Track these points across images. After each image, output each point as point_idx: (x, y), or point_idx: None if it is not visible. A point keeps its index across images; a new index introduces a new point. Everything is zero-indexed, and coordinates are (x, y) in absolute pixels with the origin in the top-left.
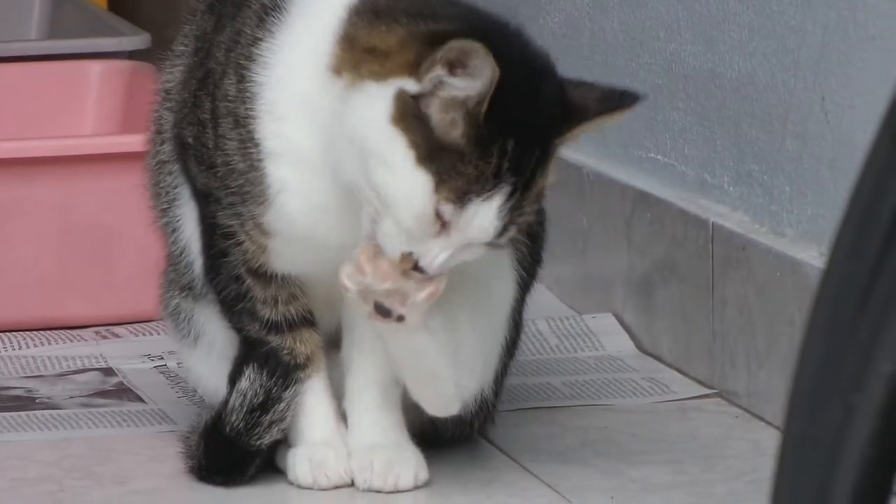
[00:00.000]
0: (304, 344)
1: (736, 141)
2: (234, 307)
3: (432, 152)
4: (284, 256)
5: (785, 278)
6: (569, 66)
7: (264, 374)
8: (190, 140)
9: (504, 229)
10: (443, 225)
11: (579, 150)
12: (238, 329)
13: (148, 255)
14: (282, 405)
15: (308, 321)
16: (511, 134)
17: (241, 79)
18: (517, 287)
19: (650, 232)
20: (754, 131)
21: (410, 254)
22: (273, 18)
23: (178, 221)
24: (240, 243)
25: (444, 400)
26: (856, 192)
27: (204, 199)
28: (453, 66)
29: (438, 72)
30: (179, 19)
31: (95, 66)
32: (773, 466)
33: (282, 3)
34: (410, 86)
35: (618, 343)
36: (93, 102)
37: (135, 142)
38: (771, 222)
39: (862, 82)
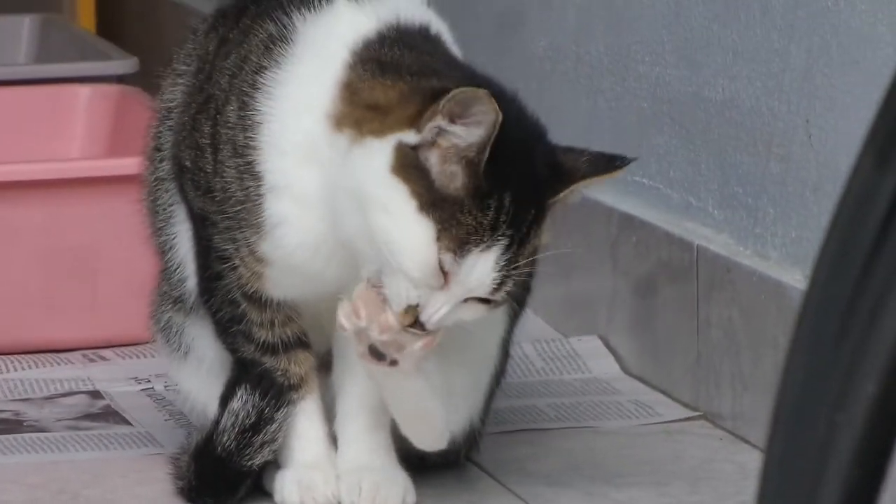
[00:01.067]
0: (299, 365)
1: (720, 164)
2: (229, 329)
3: (433, 202)
4: (279, 284)
5: (769, 301)
6: (554, 90)
7: (256, 395)
8: (188, 163)
9: (501, 283)
10: (445, 278)
11: None
12: (232, 350)
13: (134, 279)
14: (273, 426)
15: (303, 343)
16: (508, 188)
17: (244, 106)
18: (508, 319)
19: (635, 254)
20: (739, 154)
21: (414, 307)
22: (280, 49)
23: (173, 240)
24: (235, 268)
25: (434, 436)
26: (837, 213)
27: (200, 222)
28: (454, 116)
29: (439, 121)
30: (167, 43)
31: (84, 90)
32: (756, 487)
33: (289, 34)
34: (410, 137)
35: (603, 365)
36: (81, 126)
37: (122, 165)
38: (755, 245)
39: (846, 106)
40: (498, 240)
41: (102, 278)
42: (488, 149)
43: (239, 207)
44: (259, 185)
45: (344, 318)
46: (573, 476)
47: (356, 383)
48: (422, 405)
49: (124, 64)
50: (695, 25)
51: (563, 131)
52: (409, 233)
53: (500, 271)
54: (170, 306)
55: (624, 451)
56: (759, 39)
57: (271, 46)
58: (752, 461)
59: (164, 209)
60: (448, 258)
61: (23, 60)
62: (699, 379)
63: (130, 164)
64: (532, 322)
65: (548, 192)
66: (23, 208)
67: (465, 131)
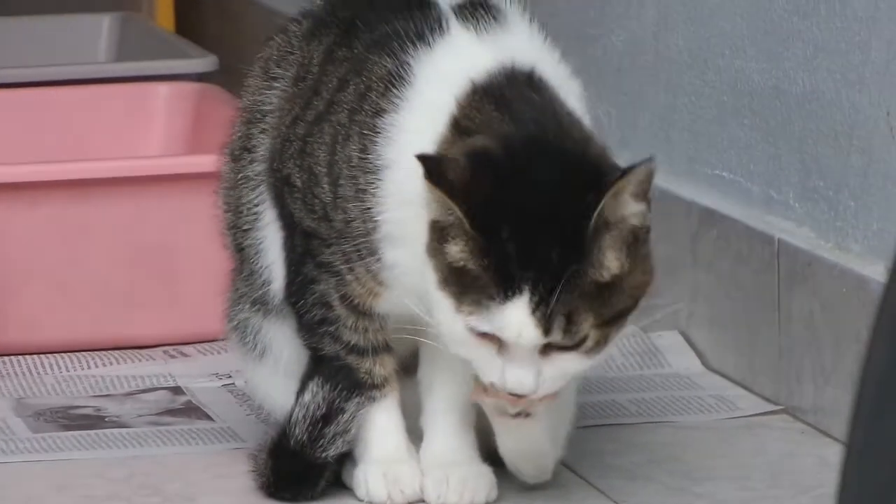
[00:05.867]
0: (383, 367)
1: (801, 157)
2: (317, 330)
3: (448, 274)
4: (391, 304)
5: (851, 294)
6: (634, 84)
7: (328, 387)
8: (298, 184)
9: (549, 324)
10: (498, 343)
11: None
12: (316, 349)
13: (215, 275)
14: (346, 416)
15: (388, 347)
16: (511, 238)
17: (365, 150)
18: None
19: (716, 248)
20: (819, 147)
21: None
22: (398, 91)
23: (260, 244)
24: (345, 283)
25: (543, 471)
26: None
27: (304, 236)
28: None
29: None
30: (247, 41)
31: (163, 88)
32: (838, 480)
33: (408, 75)
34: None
35: (684, 360)
36: (160, 124)
37: (202, 163)
38: (836, 238)
39: None
40: (518, 288)
41: (183, 274)
42: (465, 217)
43: (361, 240)
44: (377, 229)
45: (475, 397)
46: (654, 470)
47: (446, 384)
48: (538, 448)
49: (203, 62)
50: (775, 18)
51: (643, 125)
52: (437, 310)
53: (540, 316)
54: (248, 307)
55: (705, 446)
56: (839, 31)
57: (390, 87)
58: (833, 455)
59: (250, 209)
60: (474, 320)
61: (102, 59)
62: (781, 373)
63: (210, 162)
64: None
65: (577, 219)
66: (103, 205)
67: (434, 207)
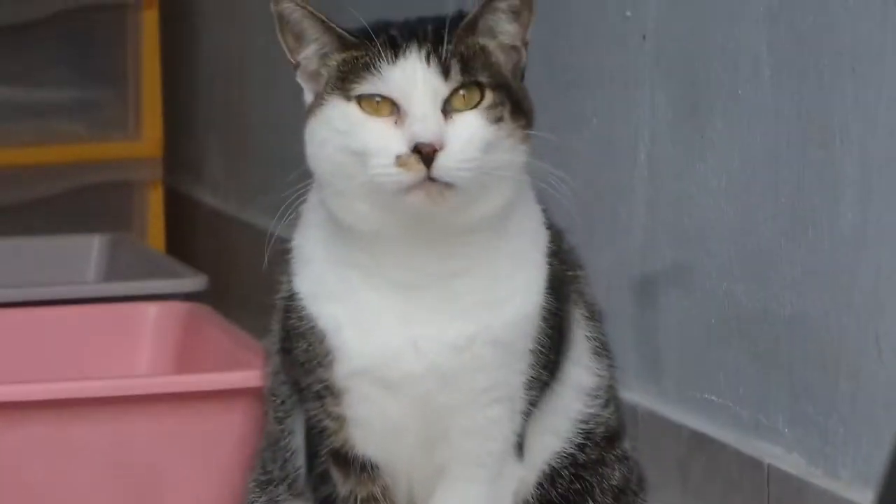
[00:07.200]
0: None
1: (790, 381)
2: None
3: (335, 72)
4: (362, 427)
5: None
6: (620, 305)
7: None
8: (276, 344)
9: (447, 68)
10: (395, 114)
11: (633, 390)
12: None
13: (200, 496)
14: None
15: None
16: (395, 27)
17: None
18: None
19: (705, 473)
20: (808, 371)
21: (406, 153)
22: None
23: (290, 430)
24: (323, 429)
25: None
26: None
27: (301, 400)
28: None
29: None
30: (239, 261)
31: (152, 308)
32: None
33: None
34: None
35: None
36: (148, 344)
37: (189, 382)
38: (826, 464)
39: None
40: (406, 47)
41: (168, 496)
42: (338, 31)
43: (303, 345)
44: (303, 308)
45: None
46: None
47: None
48: None
49: (192, 282)
50: (762, 240)
51: (630, 347)
52: (328, 118)
53: (433, 59)
54: (284, 489)
55: None
56: (828, 254)
57: None
58: None
59: (284, 401)
60: (367, 86)
61: (92, 279)
62: None
63: (198, 381)
64: None
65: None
66: (90, 424)
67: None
